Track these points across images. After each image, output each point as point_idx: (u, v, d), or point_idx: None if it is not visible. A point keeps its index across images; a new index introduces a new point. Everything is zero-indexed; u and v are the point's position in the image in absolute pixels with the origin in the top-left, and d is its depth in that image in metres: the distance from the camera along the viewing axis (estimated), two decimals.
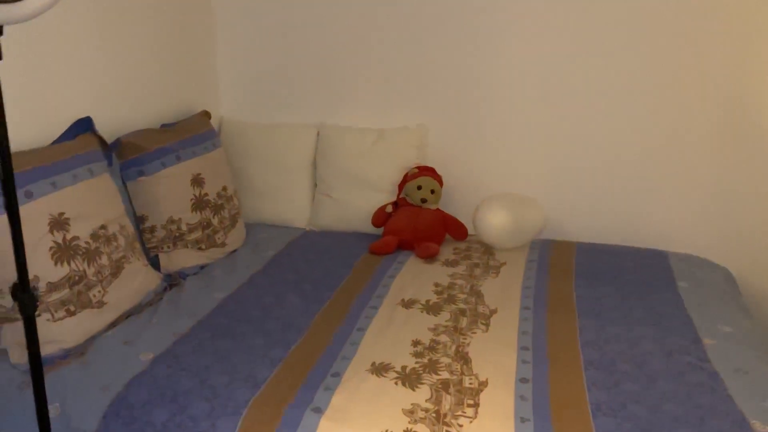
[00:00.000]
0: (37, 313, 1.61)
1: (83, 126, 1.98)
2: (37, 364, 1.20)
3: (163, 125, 2.40)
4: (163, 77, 2.51)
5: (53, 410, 1.50)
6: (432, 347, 1.74)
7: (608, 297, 2.05)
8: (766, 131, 2.40)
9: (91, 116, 2.06)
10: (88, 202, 1.83)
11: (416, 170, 2.63)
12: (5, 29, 1.15)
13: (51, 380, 1.57)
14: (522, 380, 1.58)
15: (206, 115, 2.62)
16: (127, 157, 2.14)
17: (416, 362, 1.66)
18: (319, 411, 1.45)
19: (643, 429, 1.39)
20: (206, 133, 2.44)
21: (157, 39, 2.45)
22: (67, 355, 1.70)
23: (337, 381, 1.58)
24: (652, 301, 2.02)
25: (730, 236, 2.53)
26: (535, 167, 2.66)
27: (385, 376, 1.59)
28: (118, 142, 2.15)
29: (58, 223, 1.71)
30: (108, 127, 2.19)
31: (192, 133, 2.36)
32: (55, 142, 1.89)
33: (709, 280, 2.23)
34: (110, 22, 2.18)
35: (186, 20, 2.63)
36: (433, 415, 1.44)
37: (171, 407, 1.48)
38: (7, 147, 1.09)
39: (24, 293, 1.13)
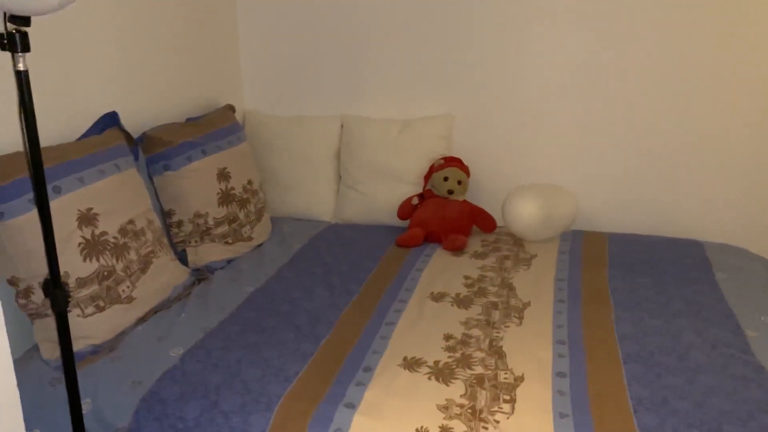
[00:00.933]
0: (68, 309, 1.61)
1: (109, 121, 1.97)
2: (69, 360, 1.18)
3: (188, 119, 2.38)
4: (187, 71, 2.49)
5: (85, 406, 1.50)
6: (464, 341, 1.70)
7: (644, 288, 2.00)
8: None
9: (117, 111, 2.05)
10: (116, 197, 1.82)
11: (442, 161, 2.59)
12: (32, 21, 1.13)
13: (82, 376, 1.56)
14: (559, 374, 1.54)
15: (231, 108, 2.60)
16: (153, 151, 2.13)
17: (449, 357, 1.63)
18: (352, 406, 1.43)
19: (688, 424, 1.34)
20: (231, 127, 2.42)
21: (181, 33, 2.43)
22: (97, 350, 1.70)
23: (369, 376, 1.55)
24: (690, 292, 1.96)
25: (766, 226, 2.44)
26: (564, 157, 2.60)
27: (417, 371, 1.56)
28: (143, 137, 2.14)
29: (87, 218, 1.71)
30: (133, 121, 2.19)
31: (217, 127, 2.35)
32: (81, 137, 1.88)
33: (748, 270, 2.15)
34: (134, 16, 2.17)
35: (209, 14, 2.61)
36: (469, 411, 1.41)
37: (203, 402, 1.47)
38: (37, 142, 1.08)
39: (56, 289, 1.11)
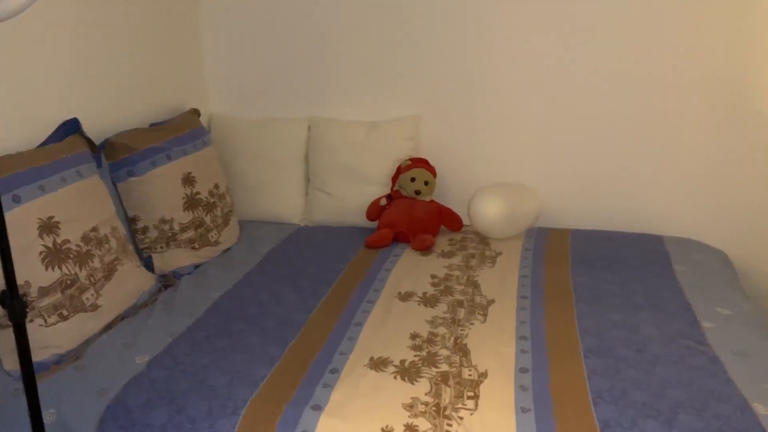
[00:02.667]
0: (29, 318, 1.60)
1: (70, 128, 1.95)
2: (28, 371, 1.18)
3: (152, 124, 2.37)
4: (150, 76, 2.47)
5: (49, 416, 1.49)
6: (430, 340, 1.73)
7: (605, 283, 2.05)
8: (759, 115, 2.39)
9: (78, 117, 2.02)
10: (78, 204, 1.80)
11: (409, 162, 2.61)
12: None
13: (46, 386, 1.55)
14: (522, 370, 1.57)
15: (195, 112, 2.59)
16: (117, 157, 2.12)
17: (415, 355, 1.65)
18: (318, 408, 1.44)
19: (645, 415, 1.39)
20: (196, 131, 2.41)
21: (143, 37, 2.41)
22: (61, 360, 1.68)
23: (335, 377, 1.56)
24: (650, 286, 2.02)
25: (725, 219, 2.52)
26: (528, 156, 2.65)
27: (384, 371, 1.58)
28: (106, 143, 2.12)
29: (48, 227, 1.69)
30: (95, 128, 2.16)
31: (181, 132, 2.34)
32: (41, 145, 1.86)
33: (706, 263, 2.22)
34: (94, 21, 2.14)
35: (171, 17, 2.60)
36: (434, 408, 1.43)
37: (169, 409, 1.47)
38: None
39: (13, 300, 1.11)
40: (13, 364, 1.63)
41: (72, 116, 2.02)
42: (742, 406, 1.41)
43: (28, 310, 1.59)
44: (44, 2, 1.91)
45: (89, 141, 2.00)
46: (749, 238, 2.50)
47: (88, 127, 2.11)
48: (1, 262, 1.08)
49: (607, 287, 2.02)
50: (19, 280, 1.60)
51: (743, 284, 2.26)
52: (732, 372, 1.54)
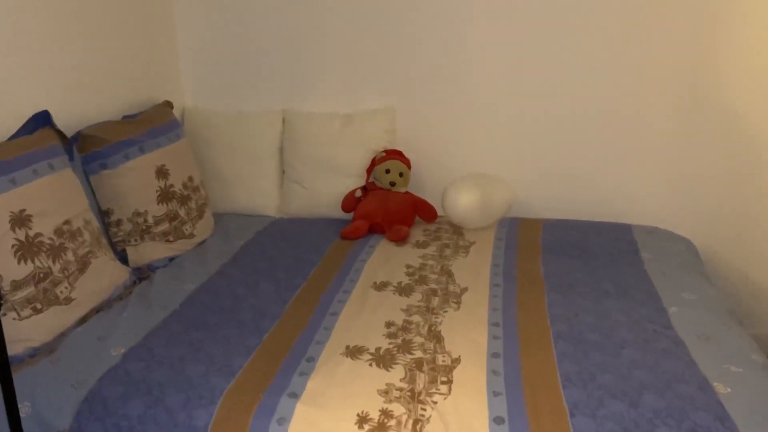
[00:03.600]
0: (2, 312, 1.59)
1: (41, 120, 1.93)
2: (4, 364, 1.17)
3: (124, 117, 2.35)
4: (123, 68, 2.45)
5: (24, 409, 1.48)
6: (405, 328, 1.76)
7: (575, 271, 2.10)
8: (725, 107, 2.46)
9: (49, 110, 2.00)
10: (50, 197, 1.79)
11: (384, 154, 2.63)
12: None
13: (20, 379, 1.54)
14: (494, 355, 1.61)
15: (168, 105, 2.58)
16: (89, 150, 2.10)
17: (390, 343, 1.68)
18: (295, 396, 1.46)
19: (612, 396, 1.43)
20: (169, 124, 2.40)
21: (115, 28, 2.39)
22: (36, 353, 1.67)
23: (312, 366, 1.58)
24: (618, 274, 2.07)
25: (690, 209, 2.59)
26: (501, 147, 2.69)
27: (359, 359, 1.61)
28: (78, 136, 2.10)
29: (20, 220, 1.68)
30: (67, 120, 2.14)
31: (155, 124, 2.32)
32: (11, 138, 1.84)
33: (672, 250, 2.29)
34: (66, 11, 2.12)
35: (145, 9, 2.57)
36: (408, 393, 1.46)
37: (146, 400, 1.47)
38: None
39: None
40: None
41: (42, 109, 2.01)
42: (703, 386, 1.46)
43: (2, 302, 1.58)
44: None
45: (60, 133, 1.98)
46: (714, 227, 2.58)
47: (59, 120, 2.09)
48: None
49: (577, 275, 2.07)
50: None
51: (708, 271, 2.34)
52: (695, 354, 1.60)
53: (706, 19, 2.39)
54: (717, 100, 2.46)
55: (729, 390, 1.45)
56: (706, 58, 2.43)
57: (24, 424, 1.45)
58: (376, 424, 1.38)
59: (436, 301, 1.91)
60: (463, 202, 2.43)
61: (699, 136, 2.51)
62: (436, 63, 2.65)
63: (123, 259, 2.18)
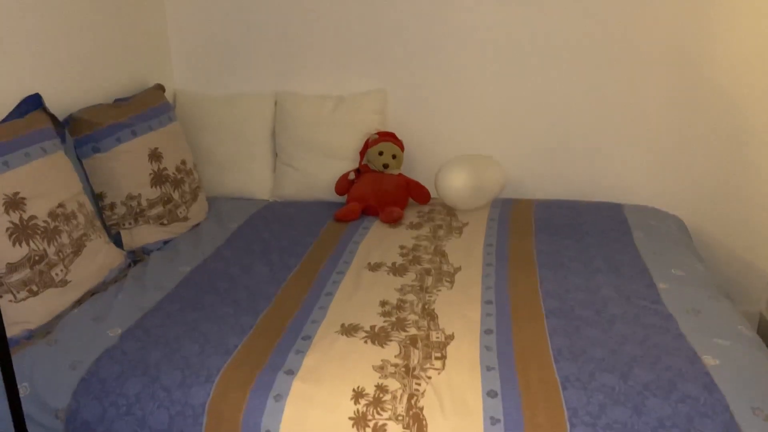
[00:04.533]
0: None
1: (32, 103, 1.93)
2: (3, 344, 1.19)
3: (116, 100, 2.34)
4: (114, 51, 2.44)
5: (22, 390, 1.50)
6: (399, 306, 1.78)
7: (567, 249, 2.12)
8: (715, 87, 2.47)
9: (40, 93, 2.00)
10: (44, 180, 1.79)
11: (377, 136, 2.64)
12: None
13: (18, 361, 1.55)
14: (486, 332, 1.64)
15: (160, 88, 2.57)
16: (81, 133, 2.10)
17: (384, 321, 1.70)
18: (291, 373, 1.48)
19: (603, 369, 1.46)
20: (161, 107, 2.40)
21: (106, 11, 2.37)
22: (32, 335, 1.68)
23: (307, 344, 1.60)
24: (610, 251, 2.10)
25: (681, 187, 2.62)
26: (493, 128, 2.70)
27: (354, 336, 1.63)
28: (70, 119, 2.10)
29: (14, 203, 1.68)
30: (58, 103, 2.14)
31: (146, 107, 2.32)
32: (3, 121, 1.83)
33: (662, 228, 2.31)
34: None
35: None
36: (403, 369, 1.49)
37: (143, 379, 1.49)
38: None
39: None
40: None
41: (34, 92, 2.00)
42: (692, 359, 1.49)
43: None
44: None
45: (52, 117, 1.98)
46: (704, 205, 2.61)
47: (50, 103, 2.09)
48: None
49: (569, 253, 2.09)
50: None
51: (697, 248, 2.37)
52: (684, 328, 1.63)
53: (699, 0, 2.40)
54: (708, 80, 2.47)
55: (717, 362, 1.48)
56: (699, 38, 2.44)
57: (23, 404, 1.47)
58: (371, 399, 1.40)
59: (429, 281, 1.93)
60: (456, 184, 2.44)
61: (690, 115, 2.53)
62: (427, 44, 2.65)
63: (117, 242, 2.19)
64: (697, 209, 2.61)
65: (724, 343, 1.56)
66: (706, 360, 1.49)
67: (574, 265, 2.01)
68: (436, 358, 1.52)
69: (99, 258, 1.93)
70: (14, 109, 1.89)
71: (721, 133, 2.51)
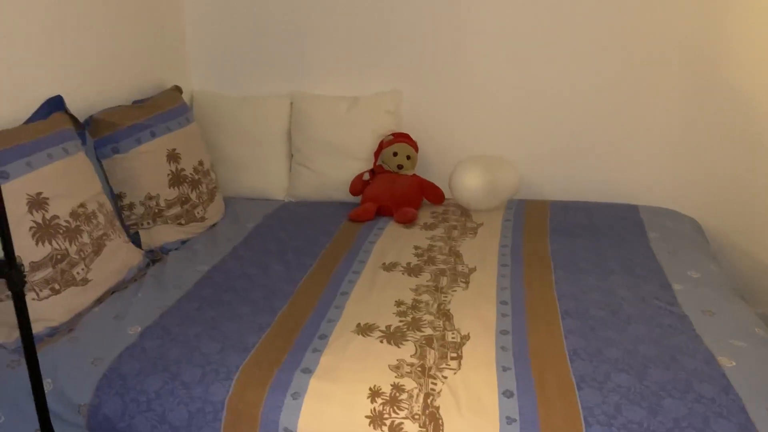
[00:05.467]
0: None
1: (54, 105, 1.96)
2: (29, 338, 1.21)
3: (135, 101, 2.38)
4: (133, 53, 2.48)
5: (46, 385, 1.53)
6: (414, 306, 1.79)
7: (582, 250, 2.12)
8: (729, 88, 2.46)
9: (62, 95, 2.03)
10: (66, 181, 1.82)
11: (391, 137, 2.65)
12: None
13: (41, 357, 1.58)
14: (502, 332, 1.65)
15: (177, 89, 2.60)
16: (101, 134, 2.13)
17: (400, 321, 1.71)
18: (308, 371, 1.50)
19: (618, 369, 1.47)
20: (179, 108, 2.43)
21: (125, 15, 2.41)
22: (54, 332, 1.72)
23: (324, 343, 1.62)
24: (625, 252, 2.10)
25: (697, 189, 2.61)
26: (508, 129, 2.71)
27: (370, 336, 1.64)
28: (90, 120, 2.13)
29: (37, 202, 1.71)
30: (79, 105, 2.17)
31: (165, 109, 2.35)
32: (27, 122, 1.87)
33: (678, 230, 2.31)
34: (77, 1, 2.14)
35: None
36: (419, 369, 1.50)
37: (163, 376, 1.52)
38: None
39: (11, 269, 1.14)
40: (6, 336, 1.66)
41: (56, 94, 2.04)
42: (708, 360, 1.49)
43: (25, 282, 1.62)
44: None
45: (73, 118, 2.01)
46: (720, 207, 2.59)
47: (71, 105, 2.13)
48: None
49: (584, 254, 2.09)
50: None
51: (713, 250, 2.36)
52: (699, 329, 1.63)
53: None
54: (723, 79, 2.46)
55: (733, 363, 1.49)
56: (714, 38, 2.43)
57: (46, 400, 1.49)
58: (388, 398, 1.41)
59: (444, 281, 1.94)
60: (470, 185, 2.45)
61: (706, 116, 2.52)
62: (442, 45, 2.66)
63: (135, 241, 2.22)
64: (712, 210, 2.60)
65: (740, 344, 1.56)
66: (721, 361, 1.49)
67: (589, 265, 2.01)
68: (452, 358, 1.54)
69: (119, 257, 1.96)
70: (37, 111, 1.92)
71: (738, 134, 2.50)
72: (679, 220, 2.42)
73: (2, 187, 1.63)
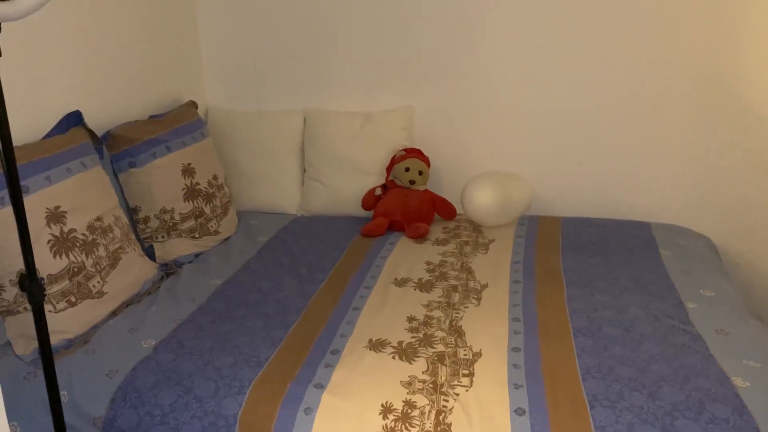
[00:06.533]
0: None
1: (73, 120, 2.00)
2: (47, 351, 1.23)
3: (151, 117, 2.42)
4: (149, 69, 2.52)
5: (61, 398, 1.54)
6: (426, 322, 1.80)
7: (595, 267, 2.12)
8: (745, 104, 2.46)
9: (80, 110, 2.07)
10: (83, 194, 1.85)
11: (403, 152, 2.67)
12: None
13: (57, 369, 1.61)
14: (514, 349, 1.65)
15: (193, 105, 2.64)
16: (118, 149, 2.17)
17: (412, 337, 1.72)
18: (321, 387, 1.51)
19: (631, 389, 1.46)
20: (194, 123, 2.46)
21: (141, 31, 2.46)
22: (70, 344, 1.74)
23: (336, 358, 1.63)
24: (637, 270, 2.09)
25: (710, 207, 2.60)
26: (520, 145, 2.72)
27: (382, 351, 1.65)
28: (107, 135, 2.17)
29: (55, 216, 1.74)
30: (96, 120, 2.21)
31: (180, 124, 2.39)
32: (46, 137, 1.91)
33: (691, 248, 2.30)
34: (95, 15, 2.19)
35: (168, 11, 2.64)
36: (431, 385, 1.50)
37: (177, 389, 1.53)
38: (10, 141, 1.12)
39: (32, 283, 1.16)
40: (23, 349, 1.69)
41: (74, 109, 2.07)
42: (722, 380, 1.49)
43: (44, 295, 1.64)
44: None
45: (91, 133, 2.05)
46: (733, 225, 2.58)
47: (89, 120, 2.16)
48: (21, 246, 1.13)
49: (596, 271, 2.09)
50: None
51: (726, 268, 2.35)
52: (713, 349, 1.62)
53: (726, 12, 2.39)
54: (737, 97, 2.47)
55: (747, 384, 1.48)
56: (726, 54, 2.44)
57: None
58: (400, 414, 1.42)
59: (456, 297, 1.95)
60: (482, 200, 2.46)
61: (719, 133, 2.52)
62: (454, 61, 2.69)
63: (150, 254, 2.25)
64: (726, 229, 2.58)
65: (754, 365, 1.55)
66: (735, 381, 1.48)
67: (602, 283, 2.01)
68: (464, 375, 1.54)
69: (134, 270, 1.98)
70: (56, 125, 1.96)
71: (751, 153, 2.49)
72: (692, 238, 2.41)
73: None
